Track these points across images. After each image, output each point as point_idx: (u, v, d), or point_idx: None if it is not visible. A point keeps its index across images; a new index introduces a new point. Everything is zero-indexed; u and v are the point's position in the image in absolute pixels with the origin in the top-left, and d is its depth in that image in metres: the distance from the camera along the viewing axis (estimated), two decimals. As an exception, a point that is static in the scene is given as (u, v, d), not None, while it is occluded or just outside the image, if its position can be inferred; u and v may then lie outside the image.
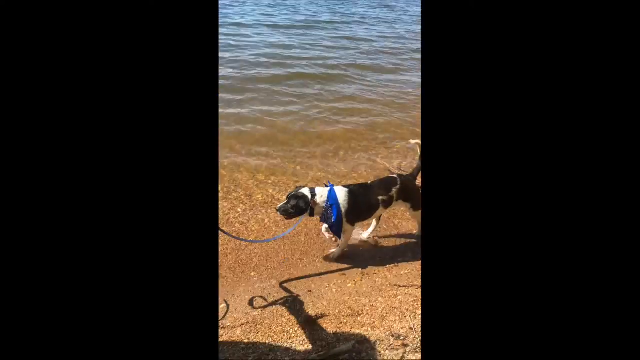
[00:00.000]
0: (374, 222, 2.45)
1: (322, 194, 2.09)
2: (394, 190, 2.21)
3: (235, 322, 1.88)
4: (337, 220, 2.08)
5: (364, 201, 2.16)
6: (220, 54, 4.70)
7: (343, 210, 2.08)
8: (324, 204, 2.09)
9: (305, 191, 2.11)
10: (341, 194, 2.12)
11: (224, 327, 1.85)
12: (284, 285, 2.15)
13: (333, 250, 2.32)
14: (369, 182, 2.33)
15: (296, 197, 2.09)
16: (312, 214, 2.13)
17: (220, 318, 1.90)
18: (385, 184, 2.24)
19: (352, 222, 2.18)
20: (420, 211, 2.34)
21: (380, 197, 2.19)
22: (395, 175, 2.33)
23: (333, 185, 2.16)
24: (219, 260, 2.26)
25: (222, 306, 1.99)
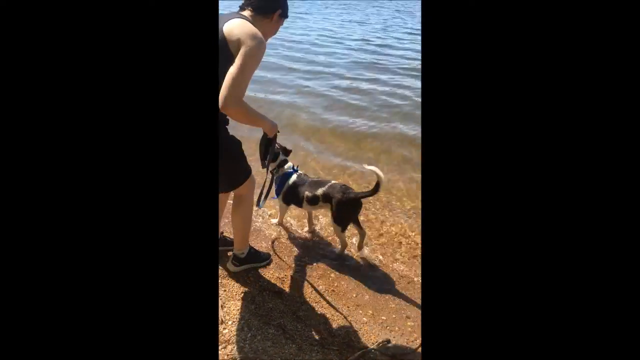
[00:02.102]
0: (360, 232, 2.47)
1: (287, 168, 2.45)
2: (320, 191, 2.31)
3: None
4: (278, 193, 2.48)
5: (298, 190, 2.40)
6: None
7: (284, 188, 2.43)
8: (281, 174, 2.44)
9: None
10: (292, 178, 2.43)
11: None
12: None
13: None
14: (315, 178, 2.50)
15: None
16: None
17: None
18: (317, 184, 2.37)
19: (285, 201, 2.51)
20: (339, 228, 2.33)
21: (306, 193, 2.35)
22: (332, 182, 2.36)
23: (296, 171, 2.47)
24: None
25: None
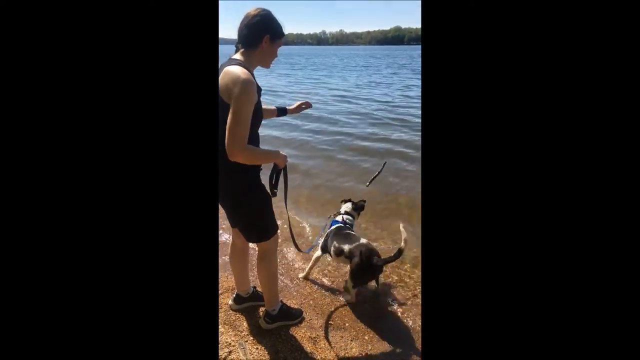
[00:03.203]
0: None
1: (340, 217, 2.66)
2: (347, 247, 2.36)
3: None
4: (318, 241, 2.61)
5: (333, 241, 2.48)
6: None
7: (326, 238, 2.55)
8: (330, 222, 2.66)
9: (347, 208, 2.78)
10: (333, 229, 2.56)
11: None
12: None
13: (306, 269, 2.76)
14: (347, 231, 2.53)
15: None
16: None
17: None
18: (346, 236, 2.45)
19: (322, 249, 2.57)
20: (352, 284, 2.36)
21: (335, 244, 2.42)
22: (364, 242, 2.38)
23: (336, 222, 2.62)
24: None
25: None
